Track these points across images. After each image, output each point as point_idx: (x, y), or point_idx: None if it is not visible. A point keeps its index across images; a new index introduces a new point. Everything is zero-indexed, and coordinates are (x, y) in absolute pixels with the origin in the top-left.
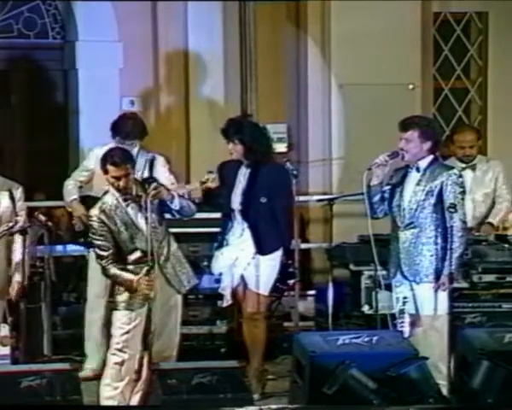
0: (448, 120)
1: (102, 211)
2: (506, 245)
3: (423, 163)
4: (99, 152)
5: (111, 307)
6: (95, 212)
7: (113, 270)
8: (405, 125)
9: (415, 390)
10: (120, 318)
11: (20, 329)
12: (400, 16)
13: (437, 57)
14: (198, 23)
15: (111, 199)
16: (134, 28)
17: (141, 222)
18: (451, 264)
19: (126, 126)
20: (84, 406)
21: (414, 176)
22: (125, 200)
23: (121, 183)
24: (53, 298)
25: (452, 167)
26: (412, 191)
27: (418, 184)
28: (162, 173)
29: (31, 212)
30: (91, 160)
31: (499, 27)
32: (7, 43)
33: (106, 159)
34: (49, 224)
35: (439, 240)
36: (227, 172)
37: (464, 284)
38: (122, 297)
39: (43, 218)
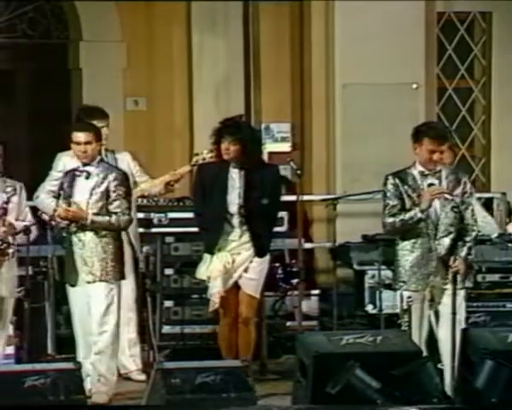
0: (452, 120)
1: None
2: (510, 245)
3: (444, 171)
4: (66, 159)
5: None
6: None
7: None
8: (445, 135)
9: (418, 390)
10: None
11: (23, 328)
12: (404, 16)
13: (441, 57)
14: (201, 22)
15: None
16: (137, 28)
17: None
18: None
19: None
20: (87, 405)
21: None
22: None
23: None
24: (56, 297)
25: (465, 172)
26: (443, 200)
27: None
28: (133, 167)
29: (34, 211)
30: (59, 167)
31: (503, 27)
32: (11, 43)
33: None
34: (53, 223)
35: (460, 240)
36: (212, 175)
37: (468, 284)
38: None
39: (46, 217)
